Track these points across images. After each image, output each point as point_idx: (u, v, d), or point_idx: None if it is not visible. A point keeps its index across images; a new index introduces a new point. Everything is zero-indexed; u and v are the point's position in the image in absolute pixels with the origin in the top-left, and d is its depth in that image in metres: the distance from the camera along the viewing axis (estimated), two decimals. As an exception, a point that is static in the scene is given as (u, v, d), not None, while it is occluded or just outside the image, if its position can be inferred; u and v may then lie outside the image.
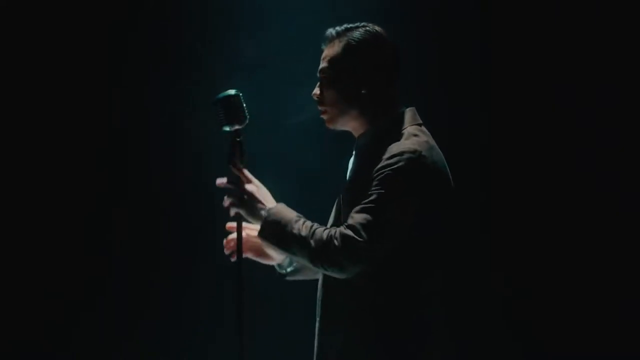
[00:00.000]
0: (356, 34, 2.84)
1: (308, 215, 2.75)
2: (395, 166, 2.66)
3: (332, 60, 2.84)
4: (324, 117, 2.88)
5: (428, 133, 2.83)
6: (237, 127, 2.77)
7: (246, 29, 4.84)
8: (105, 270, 4.85)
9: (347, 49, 2.82)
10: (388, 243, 2.66)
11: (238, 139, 2.76)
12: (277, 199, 2.85)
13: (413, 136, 2.76)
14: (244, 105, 2.77)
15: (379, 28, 2.89)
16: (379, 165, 2.70)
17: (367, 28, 2.87)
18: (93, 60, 4.81)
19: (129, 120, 4.87)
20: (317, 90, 2.88)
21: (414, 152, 2.69)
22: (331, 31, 2.87)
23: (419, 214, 2.69)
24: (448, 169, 2.81)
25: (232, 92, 2.78)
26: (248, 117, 2.77)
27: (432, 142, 2.80)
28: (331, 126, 2.89)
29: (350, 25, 2.88)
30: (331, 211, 2.92)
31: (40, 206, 4.80)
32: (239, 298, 2.76)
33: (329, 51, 2.86)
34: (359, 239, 2.62)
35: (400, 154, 2.68)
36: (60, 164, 4.80)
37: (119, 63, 4.85)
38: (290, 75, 4.65)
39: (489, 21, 4.67)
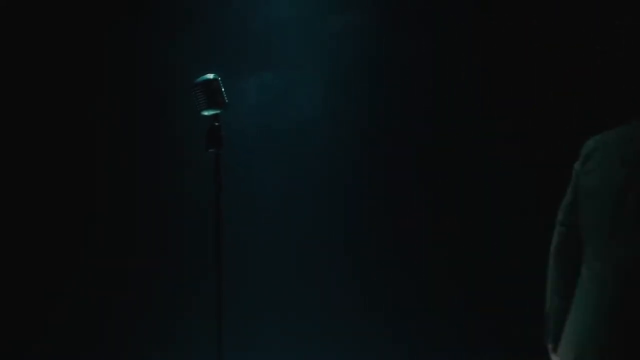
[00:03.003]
0: None
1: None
2: None
3: None
4: None
5: (624, 127, 2.88)
6: (216, 111, 2.77)
7: (246, 28, 4.86)
8: (105, 270, 4.86)
9: None
10: None
11: (217, 124, 2.76)
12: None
13: None
14: (223, 89, 2.77)
15: None
16: None
17: None
18: (93, 59, 4.84)
19: (129, 120, 4.88)
20: None
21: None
22: None
23: None
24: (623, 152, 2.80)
25: (211, 76, 2.79)
26: (227, 101, 2.77)
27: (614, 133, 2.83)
28: None
29: None
30: None
31: (40, 206, 4.82)
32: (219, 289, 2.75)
33: None
34: None
35: None
36: (60, 164, 4.83)
37: (118, 62, 4.88)
38: (292, 74, 4.67)
39: (488, 20, 4.66)
